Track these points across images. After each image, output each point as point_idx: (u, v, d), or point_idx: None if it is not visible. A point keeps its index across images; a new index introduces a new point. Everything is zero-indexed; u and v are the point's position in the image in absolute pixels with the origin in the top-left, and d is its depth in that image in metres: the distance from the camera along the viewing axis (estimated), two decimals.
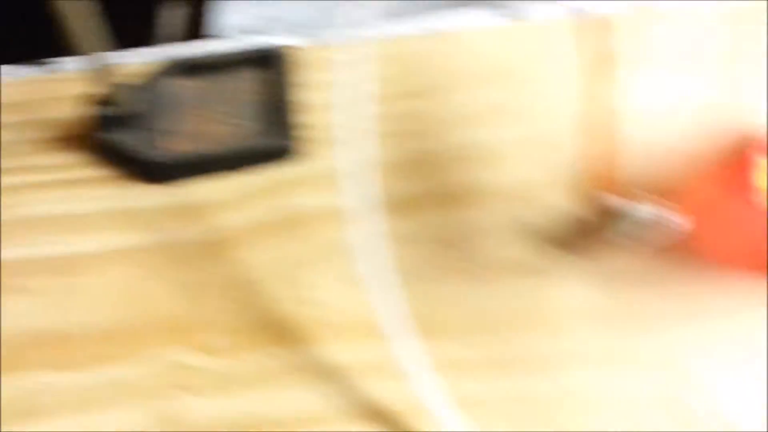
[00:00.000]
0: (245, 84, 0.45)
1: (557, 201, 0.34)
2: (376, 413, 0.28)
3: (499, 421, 0.27)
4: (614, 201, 0.30)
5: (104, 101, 0.40)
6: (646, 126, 0.35)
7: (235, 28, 0.61)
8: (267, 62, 0.45)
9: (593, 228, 0.32)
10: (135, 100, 0.41)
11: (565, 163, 0.35)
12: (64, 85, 0.46)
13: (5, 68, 0.47)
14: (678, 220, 0.29)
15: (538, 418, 0.27)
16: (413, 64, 0.43)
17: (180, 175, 0.40)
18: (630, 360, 0.29)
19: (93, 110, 0.41)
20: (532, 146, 0.37)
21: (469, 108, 0.39)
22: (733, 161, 0.31)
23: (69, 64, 0.47)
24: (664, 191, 0.30)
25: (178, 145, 0.41)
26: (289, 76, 0.44)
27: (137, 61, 0.46)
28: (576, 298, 0.31)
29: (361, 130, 0.25)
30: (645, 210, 0.29)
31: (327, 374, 0.30)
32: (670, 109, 0.37)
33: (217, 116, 0.43)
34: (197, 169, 0.40)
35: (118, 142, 0.41)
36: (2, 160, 0.42)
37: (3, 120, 0.44)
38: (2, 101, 0.45)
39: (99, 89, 0.40)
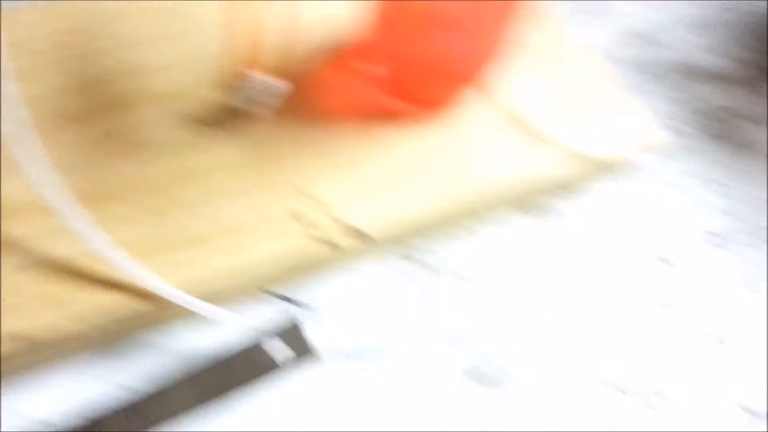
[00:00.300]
0: None
1: (209, 94, 0.41)
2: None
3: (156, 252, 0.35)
4: (237, 78, 0.39)
5: None
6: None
7: None
8: None
9: (231, 106, 0.40)
10: None
11: (214, 66, 0.43)
12: None
13: None
14: (281, 85, 0.39)
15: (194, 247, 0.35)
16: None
17: None
18: (267, 191, 0.38)
19: None
20: (187, 59, 0.44)
21: (131, 38, 0.45)
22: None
23: None
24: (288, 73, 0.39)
25: None
26: None
27: None
28: (224, 158, 0.39)
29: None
30: (257, 79, 0.39)
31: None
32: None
33: None
34: None
35: None
36: None
37: None
38: None
39: None
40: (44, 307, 0.33)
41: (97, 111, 0.40)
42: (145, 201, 0.37)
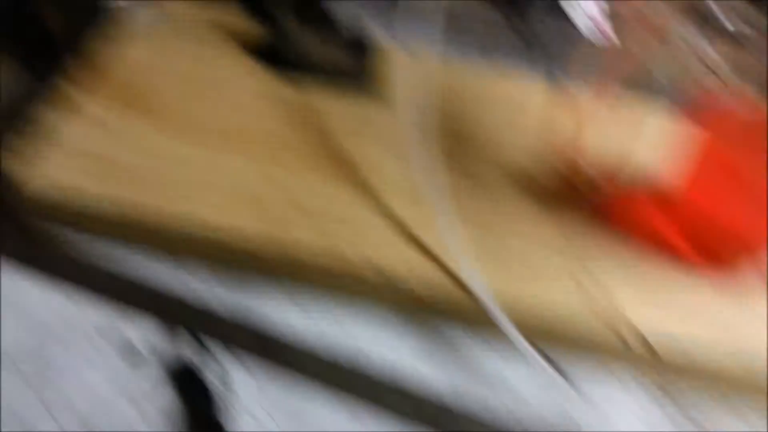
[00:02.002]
0: None
1: (539, 175, 0.48)
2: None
3: None
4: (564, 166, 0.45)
5: None
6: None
7: None
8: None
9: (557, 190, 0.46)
10: None
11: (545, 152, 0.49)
12: None
13: None
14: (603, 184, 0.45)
15: None
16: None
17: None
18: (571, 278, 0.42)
19: None
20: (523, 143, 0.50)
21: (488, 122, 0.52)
22: None
23: None
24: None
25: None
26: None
27: None
28: (542, 237, 0.44)
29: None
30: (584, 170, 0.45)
31: None
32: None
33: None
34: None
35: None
36: None
37: None
38: None
39: None
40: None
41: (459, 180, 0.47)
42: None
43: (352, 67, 0.52)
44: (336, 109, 0.50)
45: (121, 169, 0.44)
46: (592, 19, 0.58)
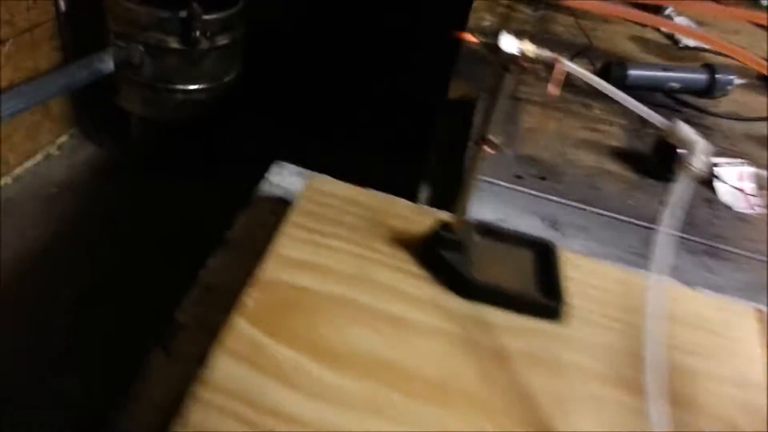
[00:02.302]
0: (525, 255, 0.64)
1: None
2: None
3: None
4: None
5: (444, 226, 0.61)
6: None
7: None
8: (543, 249, 0.64)
9: None
10: (464, 231, 0.60)
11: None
12: (403, 208, 0.68)
13: None
14: None
15: None
16: None
17: (477, 297, 0.59)
18: None
19: (433, 229, 0.62)
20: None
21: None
22: None
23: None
24: None
25: (481, 276, 0.60)
26: (558, 264, 0.62)
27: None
28: None
29: None
30: None
31: None
32: None
33: (505, 268, 0.62)
34: (490, 298, 0.59)
35: (445, 257, 0.60)
36: (352, 235, 0.62)
37: (358, 212, 0.65)
38: (359, 201, 0.67)
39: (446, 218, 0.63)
40: None
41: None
42: None
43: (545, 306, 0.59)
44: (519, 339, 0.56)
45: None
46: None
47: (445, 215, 0.66)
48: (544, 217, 0.84)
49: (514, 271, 0.62)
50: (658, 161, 0.93)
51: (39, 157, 2.10)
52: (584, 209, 0.87)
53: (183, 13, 1.76)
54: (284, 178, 0.74)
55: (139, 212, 2.00)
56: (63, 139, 2.20)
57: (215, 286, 0.60)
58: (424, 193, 0.97)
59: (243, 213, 0.68)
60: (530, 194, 0.87)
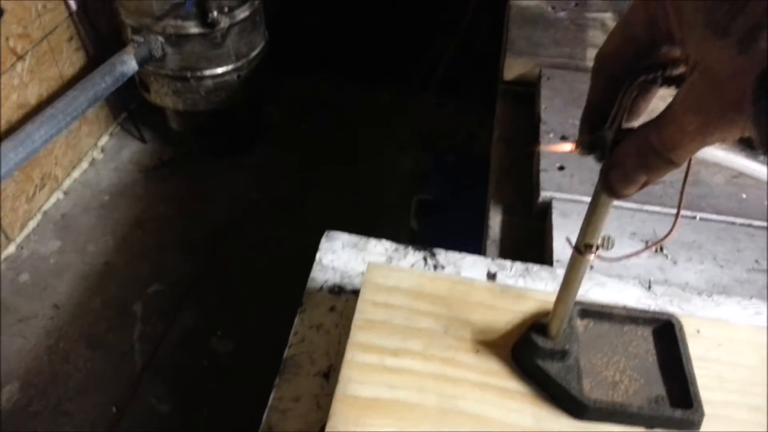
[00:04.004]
0: (641, 342, 0.52)
1: None
2: None
3: None
4: None
5: (539, 329, 0.49)
6: None
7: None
8: (663, 328, 0.52)
9: None
10: (564, 336, 0.49)
11: None
12: (479, 292, 0.55)
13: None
14: None
15: None
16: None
17: (592, 417, 0.48)
18: None
19: (527, 333, 0.50)
20: None
21: None
22: None
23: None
24: None
25: (593, 388, 0.49)
26: (683, 346, 0.51)
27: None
28: None
29: None
30: None
31: None
32: None
33: (620, 366, 0.50)
34: (608, 416, 0.48)
35: (544, 369, 0.49)
36: (428, 348, 0.51)
37: (429, 309, 0.54)
38: (428, 292, 0.55)
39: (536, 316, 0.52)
40: None
41: None
42: None
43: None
44: None
45: None
46: None
47: (530, 302, 0.54)
48: (645, 237, 0.71)
49: (632, 364, 0.51)
50: None
51: (84, 164, 2.06)
52: (693, 217, 0.73)
53: None
54: (337, 255, 0.64)
55: (192, 206, 1.95)
56: (104, 140, 2.14)
57: None
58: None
59: (299, 314, 0.59)
60: (625, 208, 0.73)
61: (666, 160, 0.31)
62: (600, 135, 0.34)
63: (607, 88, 0.34)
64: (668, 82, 0.31)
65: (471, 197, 1.27)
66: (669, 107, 0.30)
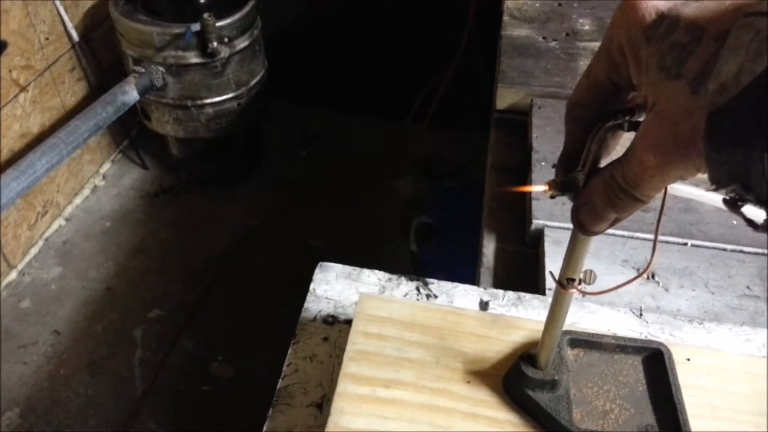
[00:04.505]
0: (631, 371, 0.53)
1: None
2: None
3: None
4: None
5: (528, 359, 0.50)
6: None
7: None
8: (653, 356, 0.53)
9: None
10: (554, 366, 0.49)
11: None
12: (470, 322, 0.56)
13: None
14: None
15: None
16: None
17: None
18: None
19: (517, 363, 0.50)
20: None
21: None
22: None
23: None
24: None
25: (584, 418, 0.49)
26: (673, 375, 0.51)
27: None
28: None
29: None
30: None
31: None
32: None
33: (610, 395, 0.51)
34: None
35: (534, 399, 0.49)
36: (419, 379, 0.52)
37: (421, 339, 0.55)
38: (420, 322, 0.56)
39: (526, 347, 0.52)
40: None
41: None
42: None
43: None
44: None
45: None
46: None
47: (521, 331, 0.55)
48: (636, 264, 0.72)
49: (622, 393, 0.51)
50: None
51: (86, 191, 2.08)
52: (684, 244, 0.74)
53: (196, 26, 1.65)
54: (331, 285, 0.65)
55: (193, 232, 1.97)
56: (106, 167, 2.16)
57: None
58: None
59: (292, 345, 0.60)
60: (617, 235, 0.74)
61: (631, 196, 0.32)
62: (572, 177, 0.35)
63: (579, 133, 0.35)
64: (635, 127, 0.33)
65: (469, 221, 1.28)
66: (631, 146, 0.31)
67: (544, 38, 1.08)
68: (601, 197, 0.33)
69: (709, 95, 0.26)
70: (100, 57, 1.99)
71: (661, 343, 0.54)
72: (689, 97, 0.27)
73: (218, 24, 1.67)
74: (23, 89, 1.72)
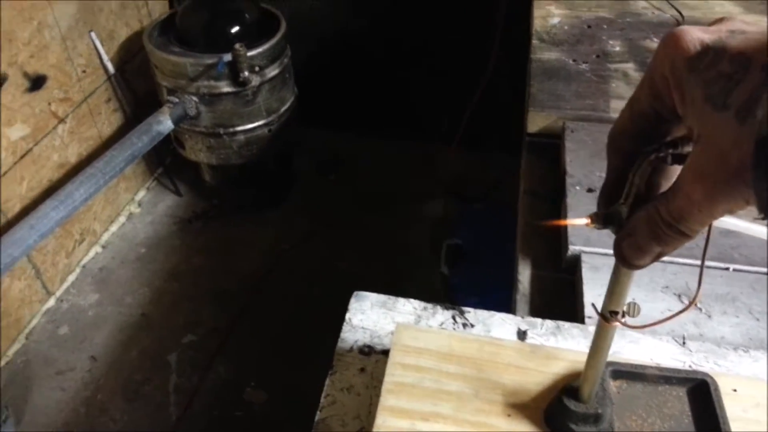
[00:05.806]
0: (676, 402, 0.51)
1: None
2: None
3: None
4: None
5: (571, 392, 0.49)
6: None
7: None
8: (698, 387, 0.51)
9: None
10: (597, 399, 0.48)
11: None
12: (508, 353, 0.55)
13: None
14: None
15: None
16: None
17: None
18: None
19: (559, 396, 0.49)
20: None
21: None
22: None
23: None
24: None
25: None
26: (720, 407, 0.49)
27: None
28: None
29: None
30: None
31: None
32: None
33: (654, 428, 0.50)
34: None
35: None
36: (458, 412, 0.51)
37: (459, 371, 0.54)
38: (457, 353, 0.55)
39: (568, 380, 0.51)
40: None
41: None
42: None
43: None
44: None
45: None
46: None
47: (562, 362, 0.54)
48: (677, 290, 0.70)
49: (667, 426, 0.50)
50: None
51: (122, 218, 2.12)
52: (726, 269, 0.72)
53: (228, 57, 1.68)
54: (366, 315, 0.65)
55: (225, 257, 1.99)
56: (141, 194, 2.21)
57: None
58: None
59: (329, 376, 0.60)
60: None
61: (677, 231, 0.31)
62: (615, 210, 0.35)
63: (621, 165, 0.35)
64: (679, 159, 0.32)
65: (500, 242, 1.27)
66: (677, 179, 0.31)
67: (574, 61, 1.07)
68: (646, 231, 0.33)
69: (757, 123, 0.26)
70: (135, 88, 2.04)
71: (706, 374, 0.52)
72: (736, 127, 0.27)
73: (249, 54, 1.70)
74: (61, 121, 1.78)
